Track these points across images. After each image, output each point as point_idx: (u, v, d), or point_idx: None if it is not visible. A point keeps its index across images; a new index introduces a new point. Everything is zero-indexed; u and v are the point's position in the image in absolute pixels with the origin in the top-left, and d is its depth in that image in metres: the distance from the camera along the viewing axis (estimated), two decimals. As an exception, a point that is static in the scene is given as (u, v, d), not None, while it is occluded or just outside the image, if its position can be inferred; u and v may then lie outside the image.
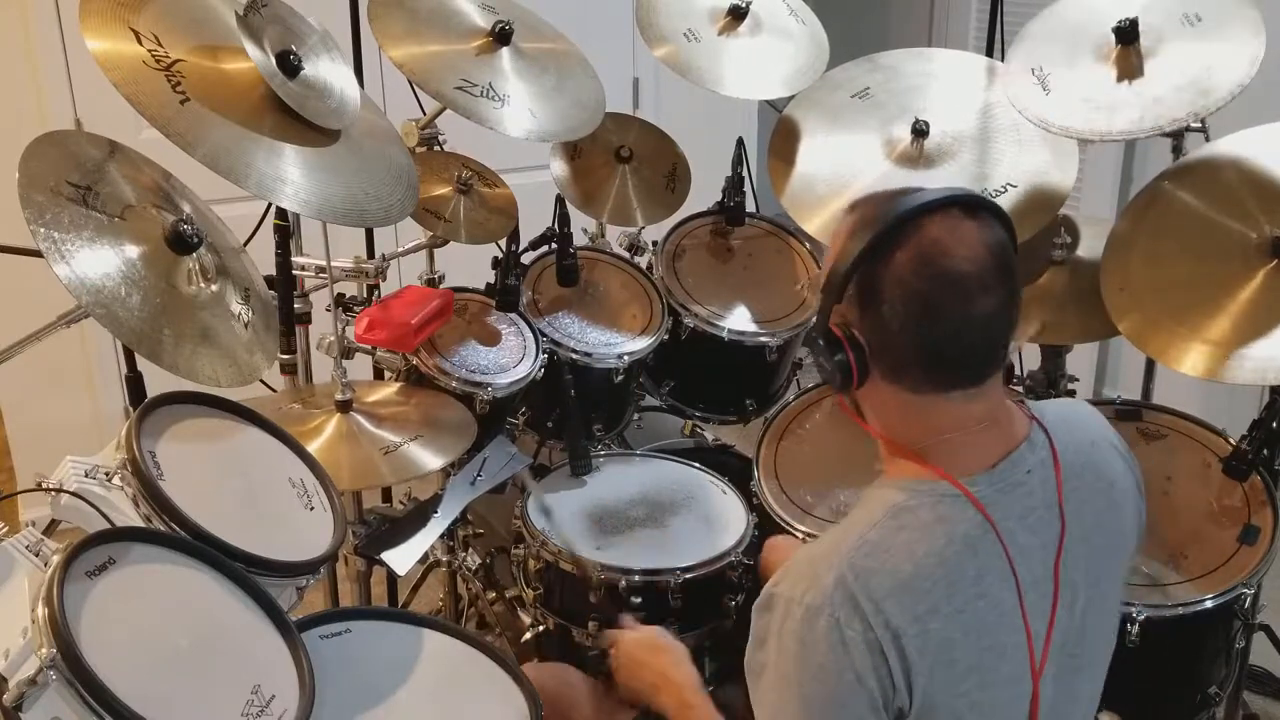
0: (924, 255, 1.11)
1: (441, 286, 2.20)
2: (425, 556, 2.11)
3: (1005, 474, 1.17)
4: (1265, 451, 1.77)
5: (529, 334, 2.15)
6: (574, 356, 2.15)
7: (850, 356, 1.16)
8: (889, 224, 1.13)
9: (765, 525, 1.96)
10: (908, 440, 1.20)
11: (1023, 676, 1.18)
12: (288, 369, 2.01)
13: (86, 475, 1.27)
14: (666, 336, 2.27)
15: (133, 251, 1.38)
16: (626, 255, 2.44)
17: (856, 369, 1.17)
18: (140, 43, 1.41)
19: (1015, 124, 2.02)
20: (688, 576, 1.83)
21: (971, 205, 1.15)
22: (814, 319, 1.23)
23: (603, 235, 2.52)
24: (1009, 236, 1.17)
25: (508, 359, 2.10)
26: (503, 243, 2.08)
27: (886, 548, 1.13)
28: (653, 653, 1.56)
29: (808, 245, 2.43)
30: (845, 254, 1.15)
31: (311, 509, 1.46)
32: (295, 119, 1.53)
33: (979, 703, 1.15)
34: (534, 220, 2.21)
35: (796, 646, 1.13)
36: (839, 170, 2.10)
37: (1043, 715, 1.20)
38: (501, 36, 2.01)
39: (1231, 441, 1.82)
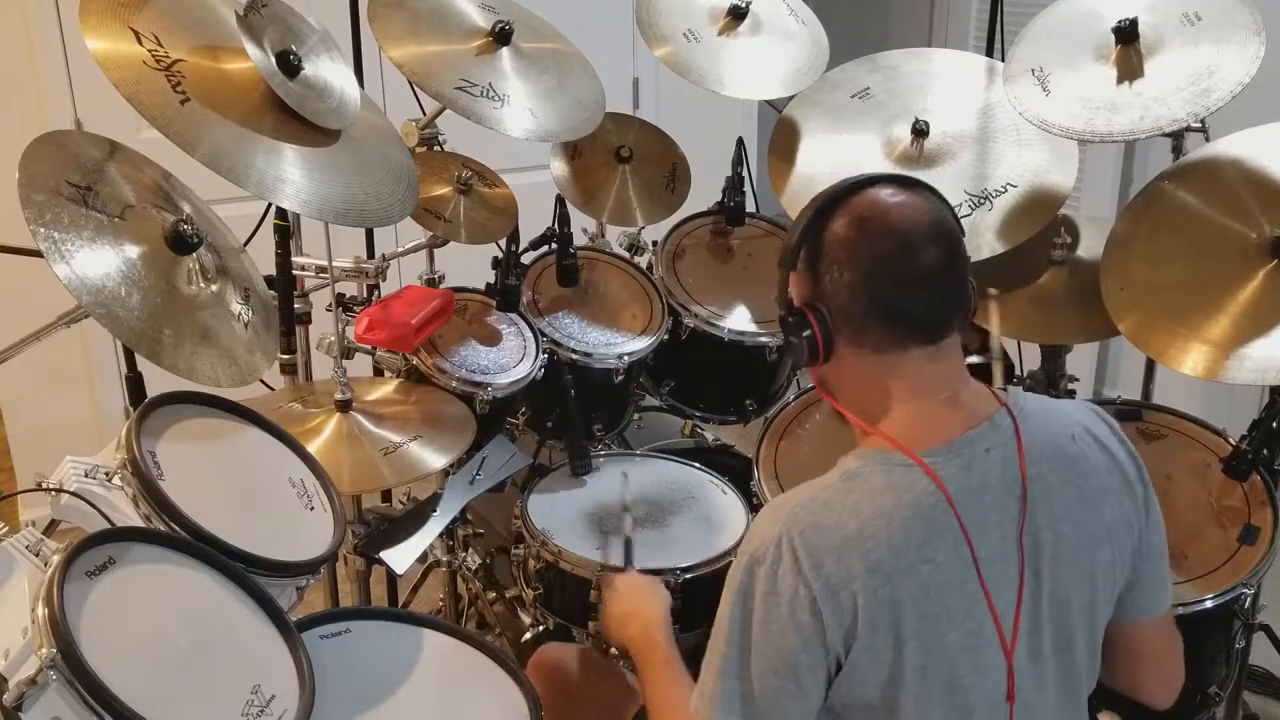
0: (861, 216, 1.21)
1: (441, 286, 2.20)
2: (425, 556, 2.11)
3: (961, 449, 1.20)
4: (1265, 451, 1.77)
5: (529, 334, 2.15)
6: (574, 356, 2.15)
7: (815, 327, 1.23)
8: (828, 197, 1.23)
9: (765, 525, 1.96)
10: (875, 412, 1.25)
11: (977, 647, 1.19)
12: (288, 369, 2.01)
13: (86, 475, 1.27)
14: (666, 336, 2.27)
15: (133, 251, 1.38)
16: (626, 255, 2.44)
17: (821, 338, 1.23)
18: (140, 43, 1.41)
19: (1015, 124, 2.02)
20: (688, 576, 1.83)
21: (907, 182, 1.25)
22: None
23: (603, 235, 2.52)
24: (949, 211, 1.25)
25: (508, 359, 2.10)
26: (503, 242, 2.08)
27: (833, 506, 1.18)
28: (643, 588, 1.61)
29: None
30: (791, 230, 1.26)
31: (311, 509, 1.46)
32: (295, 119, 1.53)
33: (923, 667, 1.17)
34: (534, 220, 2.21)
35: (735, 592, 1.19)
36: (839, 170, 2.08)
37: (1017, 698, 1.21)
38: (501, 36, 2.01)
39: (1231, 441, 1.82)
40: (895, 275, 1.20)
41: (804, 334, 1.24)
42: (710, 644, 1.22)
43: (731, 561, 1.85)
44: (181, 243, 1.43)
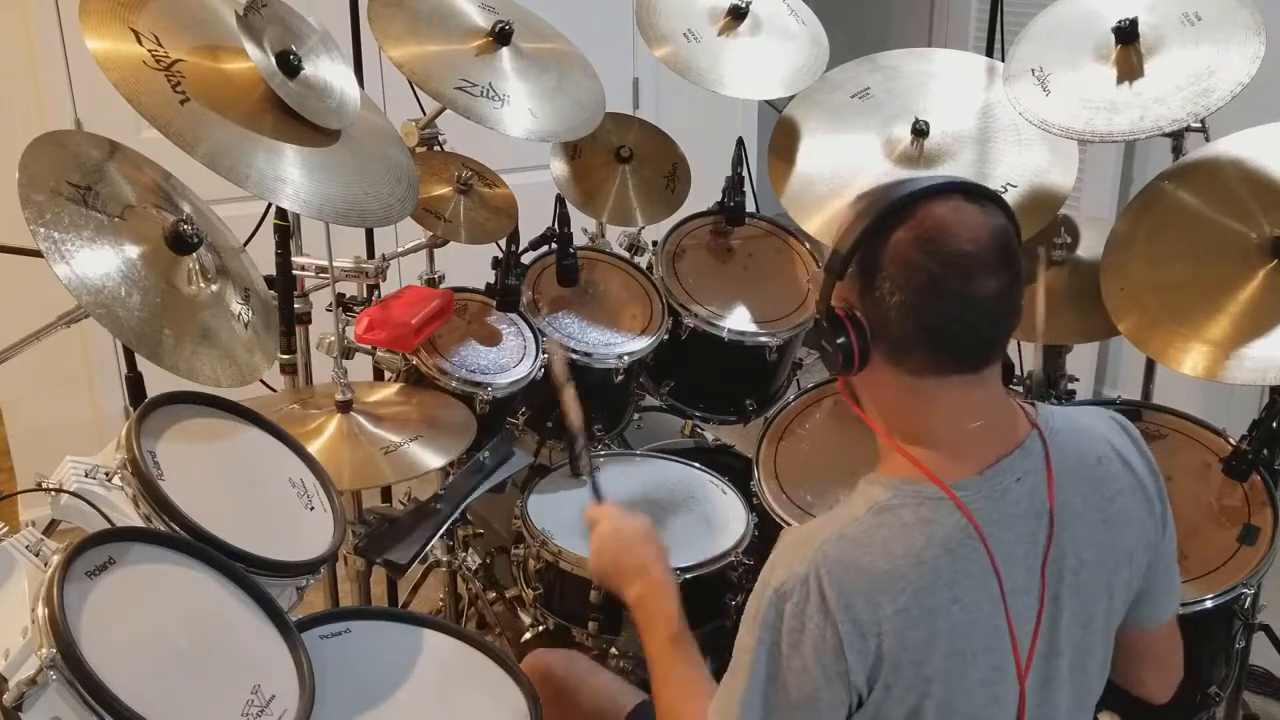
0: (926, 234, 1.12)
1: (441, 286, 2.20)
2: (425, 556, 2.11)
3: (994, 480, 1.17)
4: (1265, 451, 1.77)
5: (529, 334, 2.15)
6: (574, 356, 2.15)
7: (852, 337, 1.17)
8: (891, 204, 1.14)
9: (765, 525, 1.96)
10: (904, 430, 1.21)
11: (998, 680, 1.18)
12: (288, 369, 2.01)
13: (86, 475, 1.27)
14: (666, 336, 2.27)
15: (133, 251, 1.38)
16: (626, 255, 2.44)
17: (858, 350, 1.17)
18: (140, 43, 1.41)
19: (1015, 124, 2.02)
20: (688, 576, 1.83)
21: (974, 193, 1.16)
22: (815, 313, 1.24)
23: (603, 235, 2.52)
24: (1013, 228, 1.17)
25: (508, 359, 2.10)
26: (503, 242, 2.08)
27: (863, 544, 1.14)
28: (642, 542, 1.47)
29: (808, 245, 2.43)
30: (847, 235, 1.17)
31: (311, 509, 1.46)
32: (295, 119, 1.53)
33: (944, 702, 1.15)
34: (534, 220, 2.21)
35: (760, 625, 1.15)
36: (839, 170, 2.10)
37: None
38: (501, 36, 2.01)
39: (1231, 441, 1.82)
40: (949, 304, 1.13)
41: (838, 341, 1.18)
42: (731, 670, 1.19)
43: (731, 561, 1.88)
44: (181, 243, 1.43)
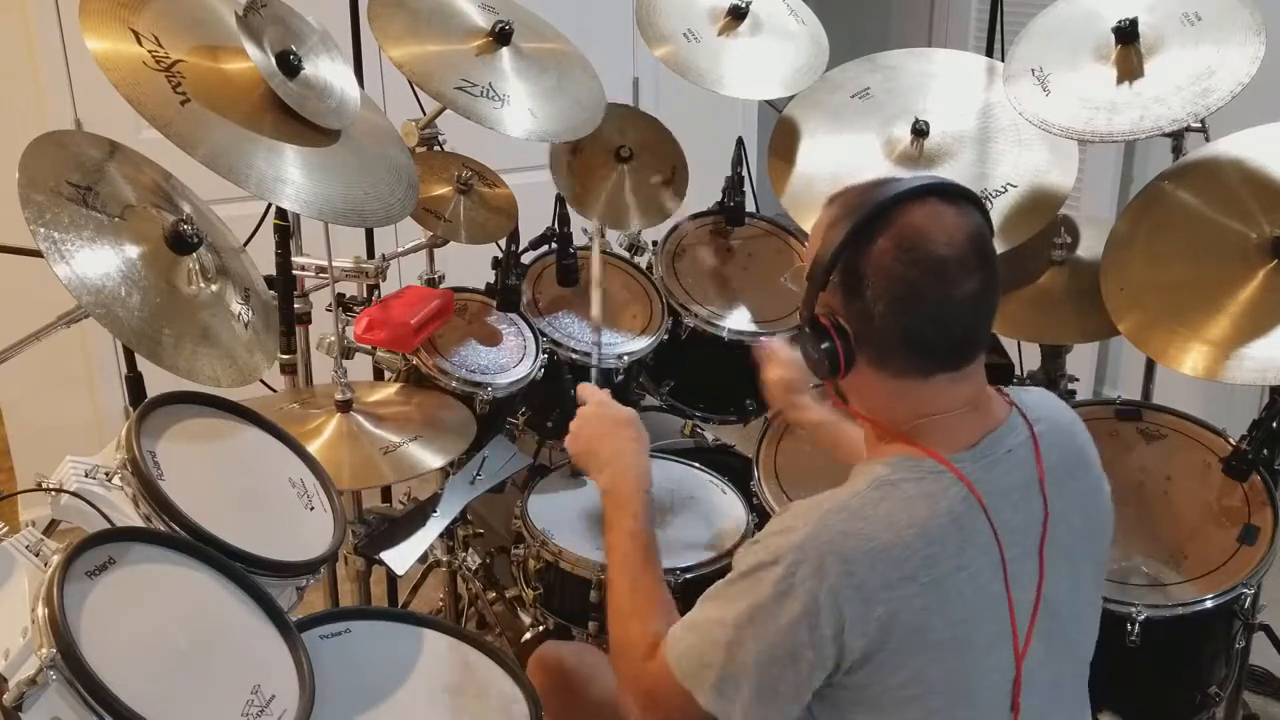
0: (905, 242, 1.15)
1: (441, 286, 2.20)
2: (425, 556, 2.11)
3: (986, 451, 1.20)
4: (1265, 451, 1.77)
5: (529, 334, 2.15)
6: (574, 356, 2.15)
7: (836, 344, 1.20)
8: (869, 212, 1.16)
9: (765, 525, 1.96)
10: (893, 423, 1.23)
11: (1001, 646, 1.19)
12: (288, 369, 2.00)
13: (86, 475, 1.27)
14: (666, 336, 2.27)
15: (133, 251, 1.38)
16: (626, 255, 2.44)
17: (843, 356, 1.20)
18: (140, 43, 1.41)
19: (1015, 124, 2.02)
20: (688, 577, 1.83)
21: (949, 193, 1.19)
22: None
23: (603, 235, 2.51)
24: (988, 225, 1.20)
25: (508, 359, 2.10)
26: (503, 242, 2.08)
27: (866, 516, 1.15)
28: (623, 428, 1.52)
29: (807, 245, 2.43)
30: (827, 244, 1.19)
31: (311, 509, 1.46)
32: (295, 119, 1.53)
33: (953, 670, 1.17)
34: (534, 220, 2.21)
35: (748, 578, 1.17)
36: (839, 170, 2.10)
37: (1025, 692, 1.21)
38: (501, 36, 2.01)
39: (1231, 441, 1.82)
40: (930, 309, 1.16)
41: (823, 346, 1.20)
42: (701, 620, 1.20)
43: (731, 562, 1.87)
44: (181, 243, 1.43)
